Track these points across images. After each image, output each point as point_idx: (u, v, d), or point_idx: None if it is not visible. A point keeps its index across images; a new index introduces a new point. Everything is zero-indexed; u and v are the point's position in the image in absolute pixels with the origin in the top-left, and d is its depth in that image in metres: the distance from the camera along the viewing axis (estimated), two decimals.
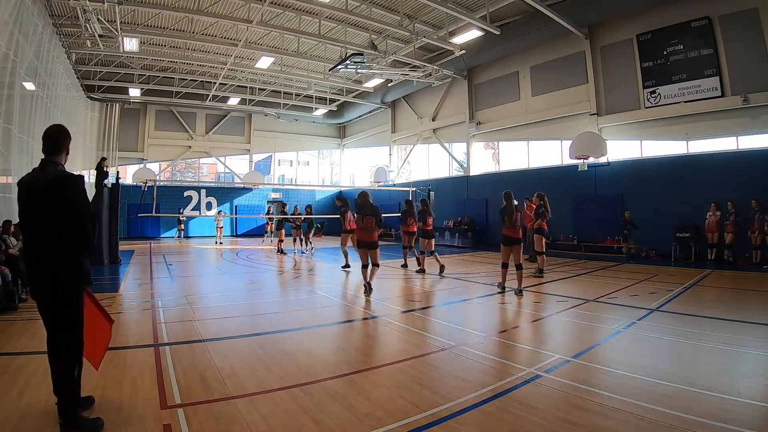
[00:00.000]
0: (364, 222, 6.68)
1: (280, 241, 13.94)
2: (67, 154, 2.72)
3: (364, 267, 6.76)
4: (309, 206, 13.82)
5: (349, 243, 9.76)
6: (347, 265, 9.60)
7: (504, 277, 6.77)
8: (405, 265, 9.77)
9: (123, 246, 12.77)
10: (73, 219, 2.49)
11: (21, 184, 2.56)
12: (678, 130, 11.75)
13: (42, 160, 2.59)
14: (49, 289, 2.47)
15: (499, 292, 6.70)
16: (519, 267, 6.64)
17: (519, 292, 6.59)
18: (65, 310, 2.50)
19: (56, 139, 2.64)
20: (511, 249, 6.61)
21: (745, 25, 10.26)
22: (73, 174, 2.64)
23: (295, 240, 14.15)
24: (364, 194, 6.89)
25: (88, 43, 12.94)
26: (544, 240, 8.72)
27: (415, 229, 9.64)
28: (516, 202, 6.76)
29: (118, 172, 18.26)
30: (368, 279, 6.65)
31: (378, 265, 6.79)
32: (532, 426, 2.49)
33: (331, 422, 2.54)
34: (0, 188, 8.08)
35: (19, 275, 6.04)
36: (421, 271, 9.16)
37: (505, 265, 6.70)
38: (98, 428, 2.44)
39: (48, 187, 2.47)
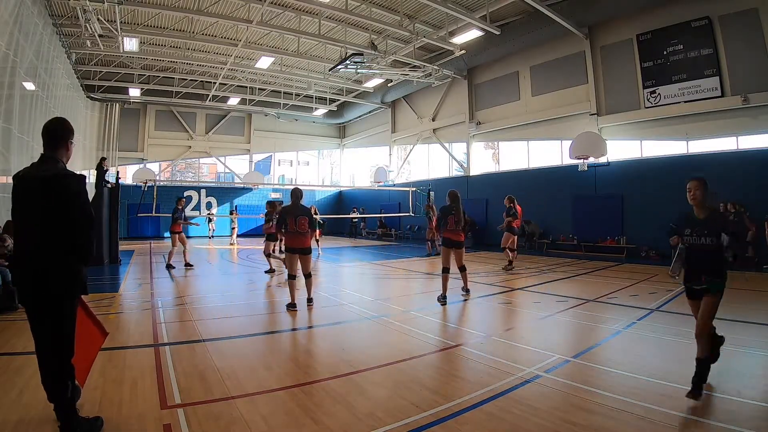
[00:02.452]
0: (297, 224, 5.66)
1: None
2: (68, 150, 2.52)
3: (293, 278, 5.74)
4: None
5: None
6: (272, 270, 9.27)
7: (445, 285, 6.11)
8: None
9: (123, 246, 12.76)
10: (69, 221, 2.31)
11: (17, 178, 2.38)
12: (678, 130, 11.74)
13: (41, 155, 2.42)
14: (36, 297, 2.29)
15: (442, 304, 5.93)
16: (463, 269, 6.43)
17: (466, 291, 6.52)
18: (52, 322, 2.31)
19: (55, 133, 2.45)
20: (451, 251, 6.26)
21: (745, 25, 10.25)
22: (74, 173, 2.45)
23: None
24: (296, 191, 5.92)
25: (88, 43, 12.93)
26: (515, 238, 9.41)
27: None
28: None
29: (118, 172, 18.27)
30: (309, 294, 5.84)
31: (311, 275, 5.90)
32: (532, 426, 2.49)
33: (331, 422, 2.54)
34: (0, 188, 8.08)
35: None
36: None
37: (444, 270, 6.15)
38: (98, 428, 2.42)
39: (44, 185, 2.29)
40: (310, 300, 5.85)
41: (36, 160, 2.46)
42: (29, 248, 2.33)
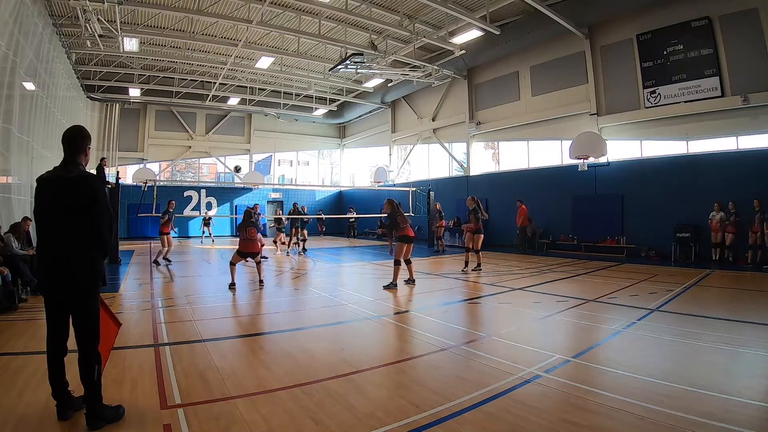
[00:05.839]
0: (247, 233, 7.32)
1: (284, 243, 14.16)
2: (87, 155, 2.76)
3: (234, 265, 7.34)
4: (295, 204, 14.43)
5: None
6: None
7: (396, 275, 7.23)
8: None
9: (123, 246, 12.76)
10: (90, 219, 2.53)
11: (41, 180, 2.59)
12: (678, 130, 11.74)
13: (63, 160, 2.65)
14: (67, 289, 2.50)
15: (392, 289, 7.05)
16: (409, 262, 7.51)
17: (412, 282, 7.48)
18: (82, 310, 2.55)
19: (74, 141, 2.68)
20: (407, 246, 7.40)
21: (745, 25, 10.25)
22: (93, 174, 2.71)
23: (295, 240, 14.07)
24: (247, 211, 7.69)
25: (88, 43, 12.92)
26: (482, 238, 9.72)
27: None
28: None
29: (118, 172, 18.26)
30: (260, 276, 7.45)
31: (260, 261, 7.63)
32: (532, 426, 2.49)
33: (331, 422, 2.54)
34: (0, 188, 8.07)
35: (19, 275, 6.04)
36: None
37: (398, 263, 7.27)
38: (120, 416, 2.54)
39: (68, 186, 2.53)
40: (260, 282, 7.42)
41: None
42: (54, 242, 2.53)
